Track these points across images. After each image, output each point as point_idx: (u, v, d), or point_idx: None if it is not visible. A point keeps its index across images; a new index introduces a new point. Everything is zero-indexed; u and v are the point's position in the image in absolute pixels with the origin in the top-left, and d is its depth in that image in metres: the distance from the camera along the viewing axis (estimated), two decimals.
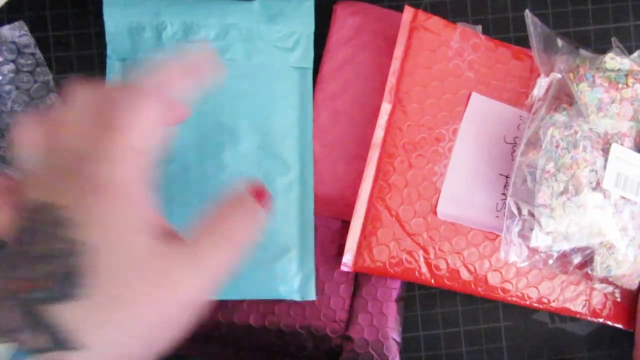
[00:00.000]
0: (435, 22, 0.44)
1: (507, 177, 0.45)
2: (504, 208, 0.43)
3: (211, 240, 0.26)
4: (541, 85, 0.44)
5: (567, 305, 0.46)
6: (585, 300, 0.46)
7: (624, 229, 0.42)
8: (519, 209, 0.42)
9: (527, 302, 0.45)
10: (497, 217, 0.45)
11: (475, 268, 0.44)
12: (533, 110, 0.44)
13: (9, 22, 0.45)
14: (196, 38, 0.44)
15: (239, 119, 0.44)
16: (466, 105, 0.45)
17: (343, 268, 0.43)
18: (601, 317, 0.47)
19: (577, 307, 0.46)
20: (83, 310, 0.22)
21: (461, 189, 0.44)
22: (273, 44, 0.45)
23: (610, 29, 0.49)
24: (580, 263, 0.43)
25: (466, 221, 0.44)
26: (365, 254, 0.43)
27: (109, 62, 0.45)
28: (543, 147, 0.41)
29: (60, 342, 0.21)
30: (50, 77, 0.46)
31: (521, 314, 0.48)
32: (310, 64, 0.46)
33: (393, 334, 0.45)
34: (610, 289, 0.46)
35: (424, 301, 0.48)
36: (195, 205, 0.43)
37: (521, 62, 0.46)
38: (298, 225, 0.44)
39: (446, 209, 0.44)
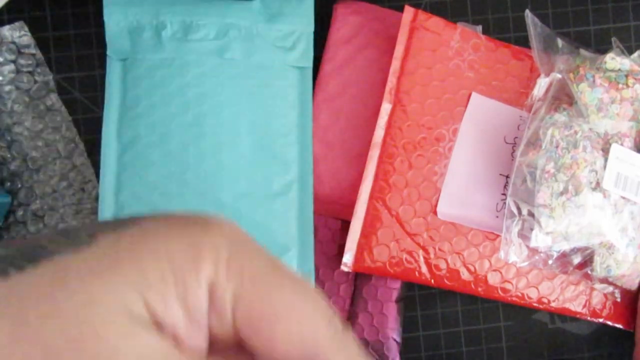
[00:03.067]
0: (435, 22, 0.44)
1: (507, 177, 0.45)
2: (504, 208, 0.43)
3: None
4: (541, 85, 0.44)
5: (567, 305, 0.46)
6: (585, 300, 0.46)
7: (624, 229, 0.42)
8: (518, 209, 0.42)
9: (527, 302, 0.45)
10: (497, 217, 0.45)
11: (475, 268, 0.44)
12: (533, 110, 0.44)
13: (9, 22, 0.45)
14: (196, 37, 0.44)
15: (238, 119, 0.44)
16: (466, 105, 0.45)
17: (343, 268, 0.43)
18: (601, 317, 0.47)
19: (577, 307, 0.46)
20: None
21: (461, 189, 0.44)
22: (273, 43, 0.45)
23: (610, 29, 0.49)
24: (580, 263, 0.43)
25: (466, 221, 0.44)
26: (365, 254, 0.43)
27: (109, 62, 0.45)
28: (543, 147, 0.41)
29: None
30: (50, 77, 0.46)
31: (521, 314, 0.48)
32: (310, 64, 0.46)
33: (393, 334, 0.45)
34: (610, 289, 0.46)
35: (424, 301, 0.48)
36: (194, 206, 0.43)
37: (521, 62, 0.46)
38: (297, 225, 0.44)
39: (446, 209, 0.44)
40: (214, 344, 0.19)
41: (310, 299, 0.19)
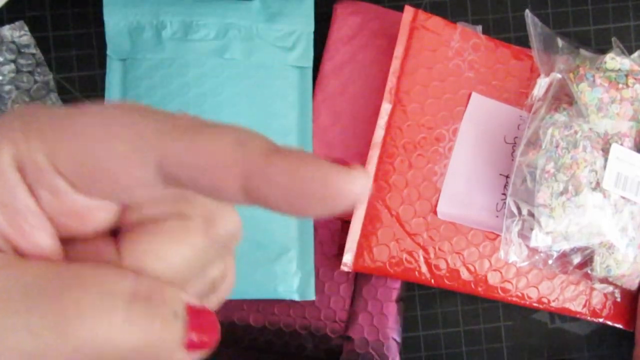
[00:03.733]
0: (435, 22, 0.44)
1: (507, 177, 0.45)
2: (504, 208, 0.43)
3: None
4: (541, 85, 0.44)
5: (567, 305, 0.46)
6: (585, 300, 0.46)
7: (624, 229, 0.42)
8: (518, 208, 0.42)
9: (527, 302, 0.45)
10: (497, 217, 0.45)
11: (475, 268, 0.44)
12: (533, 110, 0.44)
13: (9, 22, 0.45)
14: (196, 37, 0.44)
15: (238, 119, 0.44)
16: (466, 105, 0.45)
17: (343, 268, 0.43)
18: (601, 317, 0.47)
19: (577, 307, 0.46)
20: None
21: (461, 189, 0.44)
22: (273, 43, 0.45)
23: (610, 29, 0.49)
24: (580, 263, 0.43)
25: (466, 221, 0.44)
26: (365, 254, 0.43)
27: (109, 62, 0.45)
28: (543, 147, 0.41)
29: None
30: (50, 77, 0.46)
31: (521, 314, 0.48)
32: (310, 63, 0.46)
33: (393, 334, 0.45)
34: (610, 289, 0.46)
35: (424, 301, 0.48)
36: None
37: (521, 62, 0.46)
38: (297, 225, 0.44)
39: (446, 208, 0.44)
40: (84, 240, 0.18)
41: (118, 117, 0.17)
